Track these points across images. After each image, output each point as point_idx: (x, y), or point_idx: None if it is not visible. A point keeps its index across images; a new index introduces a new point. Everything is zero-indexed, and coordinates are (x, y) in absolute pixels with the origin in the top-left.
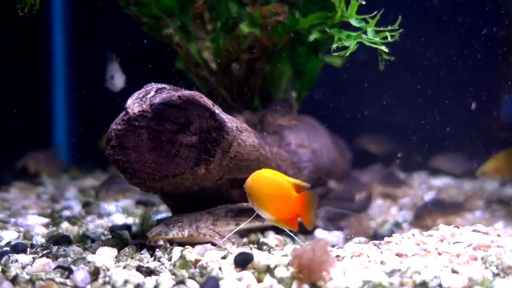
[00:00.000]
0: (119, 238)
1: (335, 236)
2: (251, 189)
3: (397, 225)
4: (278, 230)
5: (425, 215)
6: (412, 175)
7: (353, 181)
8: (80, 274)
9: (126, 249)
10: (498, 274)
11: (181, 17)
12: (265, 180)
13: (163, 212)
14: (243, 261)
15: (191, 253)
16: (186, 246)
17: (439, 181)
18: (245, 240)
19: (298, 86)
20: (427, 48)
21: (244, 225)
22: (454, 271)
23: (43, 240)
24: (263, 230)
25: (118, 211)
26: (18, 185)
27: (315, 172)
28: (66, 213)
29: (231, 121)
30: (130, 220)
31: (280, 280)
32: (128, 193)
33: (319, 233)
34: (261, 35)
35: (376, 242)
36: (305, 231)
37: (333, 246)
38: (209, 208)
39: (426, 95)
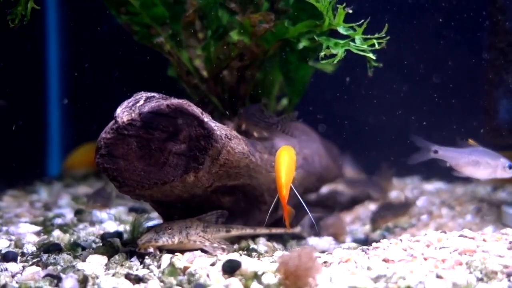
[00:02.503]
0: (110, 245)
1: (326, 242)
2: None
3: (389, 230)
4: (269, 237)
5: (378, 220)
6: (405, 179)
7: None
8: (69, 282)
9: (116, 256)
10: (481, 279)
11: (172, 25)
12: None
13: (154, 219)
14: (230, 268)
15: (180, 260)
16: (176, 253)
17: (431, 186)
18: (235, 246)
19: (289, 93)
20: (415, 53)
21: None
22: (438, 276)
23: (34, 249)
24: (254, 237)
25: (110, 219)
26: (11, 193)
27: (307, 178)
28: (58, 221)
29: (220, 129)
30: (121, 228)
31: (267, 287)
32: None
33: (312, 240)
34: (250, 42)
35: (364, 247)
36: (297, 237)
37: (323, 252)
38: (200, 215)
39: (416, 100)
